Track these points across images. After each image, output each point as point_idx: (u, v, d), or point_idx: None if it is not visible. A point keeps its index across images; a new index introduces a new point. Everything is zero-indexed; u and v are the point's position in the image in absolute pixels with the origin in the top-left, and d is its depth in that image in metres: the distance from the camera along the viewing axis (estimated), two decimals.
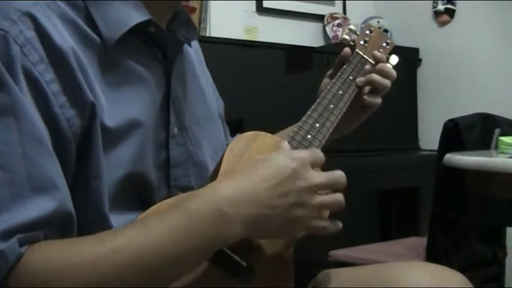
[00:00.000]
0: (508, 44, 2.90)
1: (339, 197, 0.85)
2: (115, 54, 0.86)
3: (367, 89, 1.10)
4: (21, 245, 0.72)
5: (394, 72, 1.11)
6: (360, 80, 1.08)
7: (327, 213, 0.86)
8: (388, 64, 1.12)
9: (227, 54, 2.59)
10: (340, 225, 0.86)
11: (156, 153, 0.91)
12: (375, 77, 1.08)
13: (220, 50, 2.54)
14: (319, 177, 0.83)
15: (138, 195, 0.88)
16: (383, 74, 1.09)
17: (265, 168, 0.81)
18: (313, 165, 0.84)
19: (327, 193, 0.84)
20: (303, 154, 0.83)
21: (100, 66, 0.84)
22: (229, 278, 0.85)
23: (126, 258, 0.73)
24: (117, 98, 0.85)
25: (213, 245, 0.78)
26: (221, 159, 0.92)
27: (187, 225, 0.76)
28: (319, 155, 0.86)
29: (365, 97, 1.10)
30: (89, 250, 0.74)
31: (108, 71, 0.85)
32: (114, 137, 0.84)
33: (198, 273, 0.83)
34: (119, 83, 0.86)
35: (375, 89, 1.10)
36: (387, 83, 1.09)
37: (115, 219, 0.83)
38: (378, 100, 1.11)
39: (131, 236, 0.75)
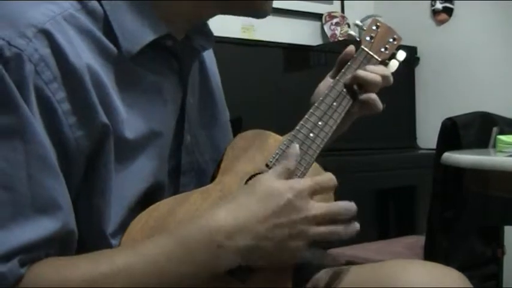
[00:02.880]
0: (506, 42, 2.90)
1: (337, 229, 0.84)
2: (132, 66, 0.85)
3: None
4: (21, 266, 0.73)
5: (381, 70, 1.06)
6: (347, 78, 1.04)
7: None
8: (393, 60, 1.10)
9: (224, 53, 2.58)
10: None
11: (168, 161, 0.91)
12: (360, 72, 1.03)
13: (217, 49, 2.53)
14: (317, 208, 0.82)
15: (151, 204, 0.87)
16: (370, 70, 1.05)
17: (262, 197, 0.80)
18: (316, 193, 0.84)
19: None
20: (302, 185, 0.82)
21: (118, 78, 0.83)
22: (227, 277, 0.85)
23: (121, 282, 0.75)
24: (135, 109, 0.85)
25: (209, 273, 0.80)
26: (222, 157, 0.93)
27: (184, 255, 0.77)
28: (326, 183, 0.85)
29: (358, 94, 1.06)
30: (85, 272, 0.75)
31: (126, 82, 0.84)
32: (135, 149, 0.84)
33: None
34: (137, 94, 0.86)
35: (363, 86, 1.04)
36: (372, 78, 1.04)
37: None
38: (370, 96, 1.05)
39: (128, 261, 0.76)
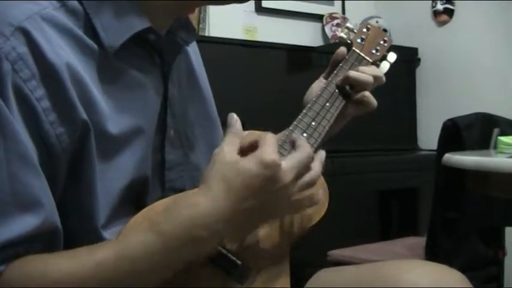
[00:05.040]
0: (507, 43, 2.90)
1: (312, 175, 0.85)
2: (114, 61, 0.85)
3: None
4: (1, 263, 0.73)
5: (372, 70, 1.06)
6: (338, 79, 1.04)
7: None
8: (384, 62, 1.11)
9: (226, 55, 2.58)
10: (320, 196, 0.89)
11: (152, 156, 0.91)
12: (351, 73, 1.04)
13: (219, 50, 2.54)
14: (289, 172, 0.81)
15: (136, 199, 0.88)
16: (361, 70, 1.06)
17: (239, 180, 0.78)
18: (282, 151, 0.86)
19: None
20: (271, 154, 0.79)
21: (100, 74, 0.83)
22: (225, 277, 0.85)
23: (101, 278, 0.75)
24: (118, 105, 0.85)
25: (188, 262, 0.80)
26: None
27: (163, 248, 0.76)
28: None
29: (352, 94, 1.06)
30: (67, 268, 0.75)
31: (108, 78, 0.84)
32: (119, 144, 0.84)
33: (193, 272, 0.83)
34: (120, 90, 0.86)
35: (355, 86, 1.05)
36: (364, 78, 1.04)
37: (115, 229, 0.84)
38: (364, 94, 1.05)
39: (108, 256, 0.76)
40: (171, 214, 0.79)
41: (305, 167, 0.84)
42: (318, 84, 1.11)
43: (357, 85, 1.04)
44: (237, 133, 0.85)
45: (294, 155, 0.84)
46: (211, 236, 0.77)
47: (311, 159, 0.86)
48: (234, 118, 0.88)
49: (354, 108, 1.07)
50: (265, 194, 0.80)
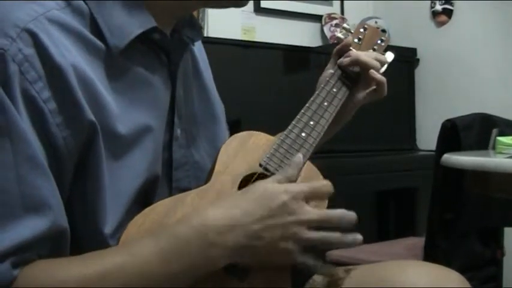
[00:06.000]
0: (506, 43, 2.90)
1: (330, 237, 0.84)
2: (121, 61, 0.85)
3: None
4: (14, 267, 0.73)
5: (381, 58, 1.11)
6: (343, 60, 1.08)
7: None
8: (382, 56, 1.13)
9: (225, 55, 2.58)
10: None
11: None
12: (361, 56, 1.08)
13: (217, 51, 2.53)
14: (310, 213, 0.83)
15: (145, 200, 0.88)
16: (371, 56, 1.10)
17: (256, 198, 0.81)
18: (311, 198, 0.85)
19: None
20: (298, 188, 0.83)
21: (108, 74, 0.84)
22: (225, 275, 0.85)
23: (113, 283, 0.75)
24: (127, 103, 0.85)
25: (200, 270, 0.80)
26: (215, 160, 0.93)
27: (175, 252, 0.77)
28: (321, 189, 0.86)
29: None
30: (77, 273, 0.75)
31: (115, 78, 0.84)
32: (128, 144, 0.84)
33: None
34: (127, 89, 0.86)
35: (364, 70, 1.09)
36: (376, 64, 1.08)
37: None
38: (383, 79, 1.09)
39: (119, 260, 0.76)
40: (183, 220, 0.80)
41: (325, 223, 0.84)
42: (324, 75, 1.13)
43: (362, 67, 1.08)
44: (288, 175, 0.87)
45: (326, 210, 0.86)
46: (222, 244, 0.79)
47: (329, 188, 0.87)
48: (298, 161, 0.89)
49: (364, 95, 1.10)
50: (279, 221, 0.81)
